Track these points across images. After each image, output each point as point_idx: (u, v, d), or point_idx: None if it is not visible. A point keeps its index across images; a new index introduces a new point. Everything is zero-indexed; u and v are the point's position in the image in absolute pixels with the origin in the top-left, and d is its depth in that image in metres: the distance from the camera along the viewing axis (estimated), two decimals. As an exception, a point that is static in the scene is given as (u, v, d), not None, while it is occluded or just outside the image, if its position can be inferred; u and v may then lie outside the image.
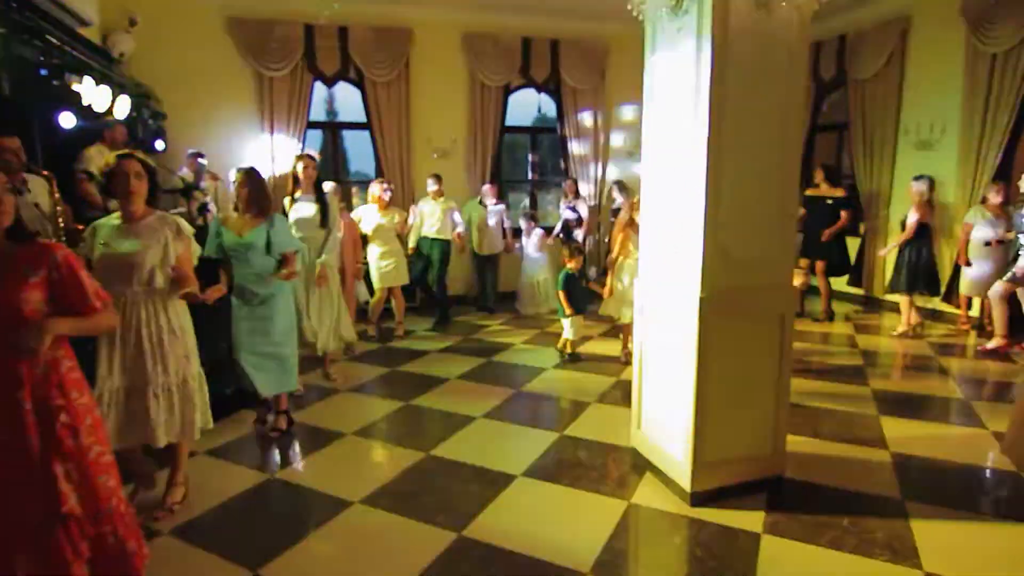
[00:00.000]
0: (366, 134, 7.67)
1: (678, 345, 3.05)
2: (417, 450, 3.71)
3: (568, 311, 5.46)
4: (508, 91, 8.03)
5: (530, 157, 8.71)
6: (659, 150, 3.17)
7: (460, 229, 6.97)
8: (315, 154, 5.75)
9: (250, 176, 3.76)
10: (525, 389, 4.81)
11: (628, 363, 5.10)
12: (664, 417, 3.24)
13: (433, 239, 6.88)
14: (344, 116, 8.09)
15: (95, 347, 2.74)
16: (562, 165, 8.50)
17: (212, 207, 6.41)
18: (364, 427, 4.10)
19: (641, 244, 3.40)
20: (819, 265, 7.07)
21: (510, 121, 8.22)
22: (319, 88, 7.48)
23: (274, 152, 7.11)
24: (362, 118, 7.61)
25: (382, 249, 6.18)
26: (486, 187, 7.51)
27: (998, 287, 5.59)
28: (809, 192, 7.28)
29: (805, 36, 2.93)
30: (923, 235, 6.25)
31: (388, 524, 2.94)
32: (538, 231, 7.55)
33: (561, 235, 7.80)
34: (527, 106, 8.54)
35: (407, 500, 3.15)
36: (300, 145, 7.23)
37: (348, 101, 7.81)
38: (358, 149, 8.22)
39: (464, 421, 4.16)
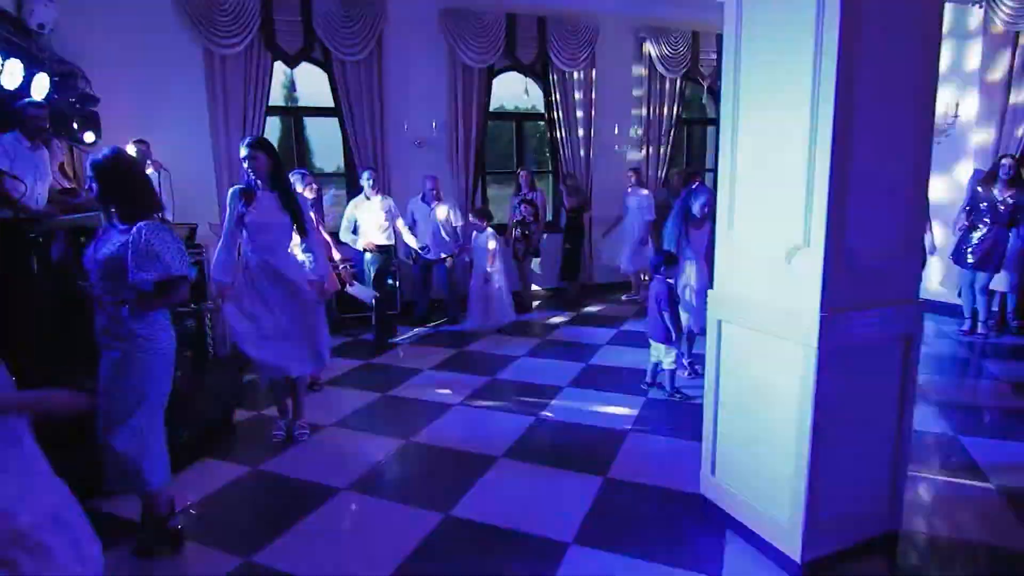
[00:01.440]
0: (334, 121, 6.80)
1: (782, 373, 2.39)
2: (433, 510, 2.96)
3: (674, 335, 4.16)
4: (492, 73, 7.27)
5: (515, 146, 7.98)
6: (754, 136, 2.49)
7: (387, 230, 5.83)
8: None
9: (108, 165, 2.42)
10: (545, 415, 4.10)
11: (652, 388, 4.42)
12: (755, 462, 2.59)
13: (381, 246, 5.81)
14: (307, 101, 7.16)
15: None
16: (549, 154, 7.84)
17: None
18: (360, 478, 3.31)
19: (721, 247, 2.72)
20: None
21: (494, 107, 7.46)
22: (279, 69, 6.55)
23: (229, 145, 6.18)
24: (328, 103, 6.74)
25: None
26: (428, 183, 6.34)
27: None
28: None
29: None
30: None
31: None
32: (490, 231, 6.20)
33: (516, 234, 6.96)
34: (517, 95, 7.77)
35: (435, 589, 2.41)
36: (258, 135, 6.32)
37: (312, 84, 6.91)
38: (324, 139, 7.30)
39: (483, 463, 3.42)
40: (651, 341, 4.31)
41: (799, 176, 2.25)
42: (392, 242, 5.95)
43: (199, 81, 6.10)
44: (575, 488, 3.14)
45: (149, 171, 5.39)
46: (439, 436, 3.81)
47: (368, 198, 5.86)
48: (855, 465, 2.44)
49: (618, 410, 4.15)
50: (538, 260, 7.38)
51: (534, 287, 7.55)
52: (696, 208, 4.47)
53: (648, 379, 4.45)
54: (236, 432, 3.93)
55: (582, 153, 7.76)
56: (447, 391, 4.58)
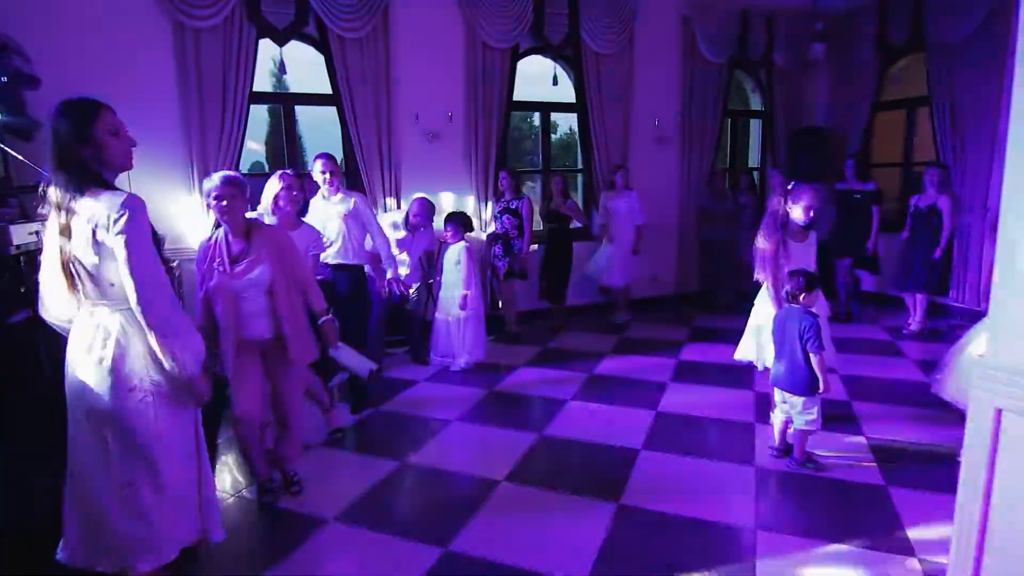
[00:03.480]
0: (332, 111, 5.70)
1: None
2: None
3: (823, 386, 3.07)
4: (516, 55, 6.20)
5: (541, 141, 6.91)
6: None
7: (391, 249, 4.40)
8: None
9: None
10: (628, 503, 2.99)
11: (786, 454, 3.32)
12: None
13: (337, 266, 4.12)
14: (299, 86, 6.06)
15: None
16: (587, 150, 6.79)
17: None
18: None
19: (1004, 290, 1.65)
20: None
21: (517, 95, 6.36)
22: (265, 47, 5.42)
23: (204, 137, 5.07)
24: (325, 88, 5.63)
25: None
26: (420, 212, 5.02)
27: None
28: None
29: None
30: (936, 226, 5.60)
31: None
32: (462, 245, 4.99)
33: (496, 251, 5.80)
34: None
35: None
36: (239, 126, 5.20)
37: (306, 67, 5.82)
38: (319, 133, 6.23)
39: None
40: (779, 391, 3.24)
41: None
42: (358, 260, 4.26)
43: (168, 60, 4.97)
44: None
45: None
46: (490, 541, 2.69)
47: (325, 197, 4.20)
48: None
49: (725, 489, 3.08)
50: (524, 281, 6.01)
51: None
52: (799, 213, 3.41)
53: (777, 442, 3.37)
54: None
55: (619, 148, 6.71)
56: (484, 459, 3.49)
